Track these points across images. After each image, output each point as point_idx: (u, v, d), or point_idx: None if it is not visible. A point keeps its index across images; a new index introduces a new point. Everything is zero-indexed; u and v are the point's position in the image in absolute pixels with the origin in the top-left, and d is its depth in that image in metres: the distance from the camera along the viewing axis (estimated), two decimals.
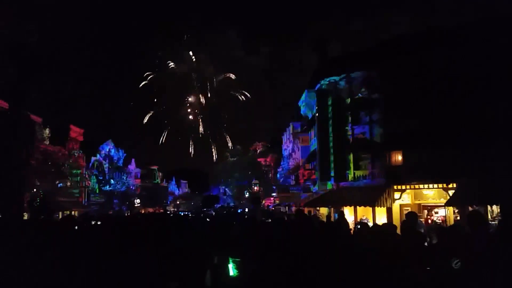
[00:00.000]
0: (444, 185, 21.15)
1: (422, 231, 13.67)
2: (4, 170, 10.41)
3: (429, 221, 20.02)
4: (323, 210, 27.04)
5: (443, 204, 20.34)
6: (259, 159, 67.16)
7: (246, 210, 45.12)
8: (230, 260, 5.99)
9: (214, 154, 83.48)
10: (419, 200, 23.12)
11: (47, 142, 40.19)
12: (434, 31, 23.14)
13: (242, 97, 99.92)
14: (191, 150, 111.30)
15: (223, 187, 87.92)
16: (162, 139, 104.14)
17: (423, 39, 22.71)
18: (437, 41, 21.75)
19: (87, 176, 50.12)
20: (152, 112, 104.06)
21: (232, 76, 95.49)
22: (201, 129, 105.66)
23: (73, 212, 41.31)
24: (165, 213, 27.88)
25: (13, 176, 10.32)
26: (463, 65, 20.14)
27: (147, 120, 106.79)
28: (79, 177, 47.22)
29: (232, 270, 6.00)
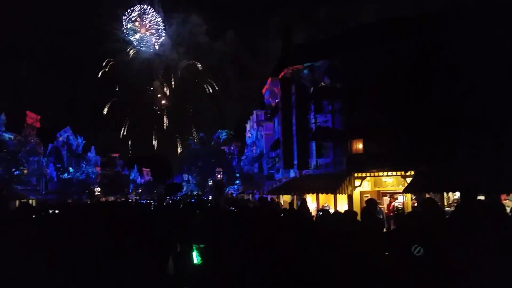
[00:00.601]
0: (403, 173, 21.79)
1: (381, 217, 14.11)
2: None
3: (391, 207, 20.59)
4: (286, 198, 27.35)
5: (401, 191, 20.98)
6: (222, 147, 67.00)
7: (210, 198, 45.05)
8: (194, 248, 5.98)
9: (178, 146, 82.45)
10: (378, 188, 23.75)
11: (2, 129, 38.60)
12: (400, 20, 23.54)
13: (209, 88, 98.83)
14: (155, 143, 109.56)
15: (187, 175, 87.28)
16: (124, 131, 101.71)
17: (388, 28, 23.07)
18: (399, 31, 22.15)
19: (44, 164, 48.54)
20: (111, 101, 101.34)
21: (199, 65, 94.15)
22: (165, 121, 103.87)
23: (30, 201, 40.04)
24: (126, 202, 27.47)
25: None
26: (426, 55, 20.69)
27: (108, 108, 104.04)
28: (36, 165, 45.68)
29: (196, 258, 5.99)
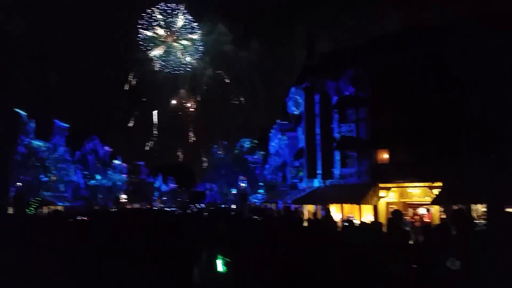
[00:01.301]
0: (430, 184, 21.38)
1: (408, 229, 13.87)
2: None
3: (415, 218, 20.22)
4: (310, 208, 27.17)
5: (429, 202, 20.57)
6: (246, 156, 67.15)
7: (233, 206, 45.11)
8: (219, 257, 5.99)
9: (202, 154, 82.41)
10: (404, 199, 23.34)
11: (32, 136, 39.69)
12: (424, 28, 23.27)
13: (236, 98, 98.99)
14: (179, 152, 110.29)
15: (210, 183, 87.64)
16: (149, 144, 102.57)
17: (412, 36, 22.82)
18: (426, 39, 21.87)
19: (72, 171, 49.60)
20: (136, 114, 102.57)
21: (224, 75, 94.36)
22: (190, 130, 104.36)
23: (58, 207, 40.91)
24: (151, 210, 27.76)
25: None
26: (452, 64, 20.35)
27: (134, 118, 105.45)
28: (64, 172, 46.72)
29: (220, 266, 6.00)
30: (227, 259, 5.87)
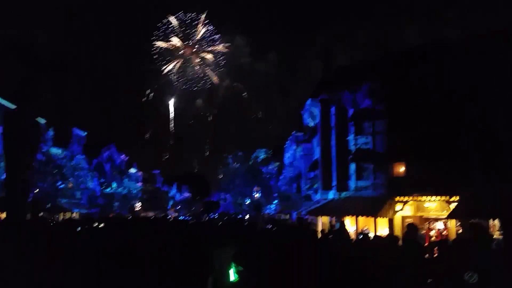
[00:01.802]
0: (447, 198, 21.07)
1: (423, 243, 13.66)
2: (10, 172, 10.48)
3: (430, 233, 19.92)
4: (324, 219, 26.97)
5: (445, 216, 20.25)
6: (260, 167, 67.12)
7: (247, 217, 45.02)
8: (232, 265, 5.97)
9: (217, 165, 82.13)
10: (421, 213, 23.02)
11: (50, 143, 40.34)
12: (441, 42, 23.16)
13: (254, 112, 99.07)
14: (195, 161, 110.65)
15: (224, 193, 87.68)
16: (165, 155, 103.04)
17: (429, 50, 22.72)
18: (443, 53, 21.74)
19: (88, 178, 50.18)
20: (153, 127, 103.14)
21: (244, 95, 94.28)
22: (207, 147, 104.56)
23: (74, 214, 41.36)
24: (165, 218, 27.87)
25: (18, 177, 10.39)
26: (469, 78, 20.17)
27: (151, 129, 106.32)
28: (80, 179, 47.30)
29: (233, 275, 5.98)
30: (239, 268, 5.86)
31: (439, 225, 21.42)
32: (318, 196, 31.81)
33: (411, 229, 6.88)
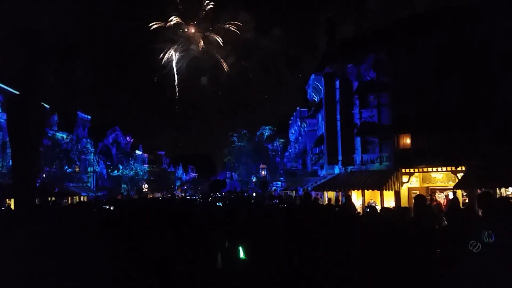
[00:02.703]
0: (453, 168, 21.05)
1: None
2: (17, 158, 10.54)
3: (434, 203, 19.94)
4: (331, 194, 27.08)
5: (452, 187, 20.27)
6: (266, 144, 67.16)
7: (254, 194, 45.28)
8: (241, 244, 6.00)
9: (223, 149, 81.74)
10: (427, 183, 23.04)
11: (55, 128, 40.41)
12: (448, 10, 22.66)
13: (259, 93, 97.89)
14: (200, 141, 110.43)
15: (230, 172, 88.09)
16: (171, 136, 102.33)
17: (437, 19, 22.23)
18: (451, 21, 21.29)
19: (95, 162, 50.45)
20: (156, 111, 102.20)
21: (245, 63, 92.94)
22: (212, 130, 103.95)
23: (82, 198, 41.75)
24: (173, 198, 28.09)
25: (25, 163, 10.45)
26: (475, 44, 19.84)
27: (155, 109, 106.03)
28: (87, 162, 47.57)
29: (242, 253, 6.02)
30: (247, 246, 5.88)
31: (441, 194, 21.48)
32: (324, 172, 31.87)
33: (420, 200, 6.86)
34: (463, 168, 20.52)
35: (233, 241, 6.25)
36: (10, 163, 21.67)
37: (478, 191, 19.31)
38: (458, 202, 18.32)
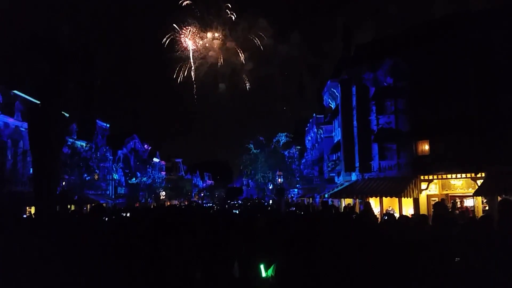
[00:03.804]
0: (473, 175, 20.71)
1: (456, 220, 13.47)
2: (38, 166, 10.75)
3: (457, 211, 19.63)
4: (348, 201, 26.87)
5: (471, 194, 19.94)
6: (282, 151, 67.01)
7: (270, 202, 45.20)
8: (262, 261, 5.93)
9: (240, 156, 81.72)
10: (446, 190, 22.71)
11: (74, 136, 41.05)
12: (465, 14, 22.37)
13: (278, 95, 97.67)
14: (217, 148, 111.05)
15: (246, 179, 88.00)
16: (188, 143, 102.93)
17: (454, 23, 21.96)
18: (469, 26, 21.02)
19: (113, 169, 51.04)
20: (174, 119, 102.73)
21: (264, 71, 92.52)
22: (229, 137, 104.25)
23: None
24: (190, 205, 28.23)
25: (46, 170, 10.64)
26: (494, 49, 19.56)
27: (173, 118, 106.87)
28: (106, 170, 48.14)
29: (264, 270, 5.95)
30: (270, 262, 5.81)
31: (467, 202, 21.08)
32: (341, 179, 31.64)
33: (440, 207, 6.77)
34: (483, 174, 20.18)
35: (251, 250, 6.24)
36: (31, 171, 22.10)
37: (499, 198, 18.98)
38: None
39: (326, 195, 31.31)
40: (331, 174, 36.43)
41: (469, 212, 19.55)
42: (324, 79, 37.28)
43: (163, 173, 74.19)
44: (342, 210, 22.44)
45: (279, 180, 43.61)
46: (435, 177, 22.46)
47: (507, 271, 3.78)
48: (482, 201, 20.34)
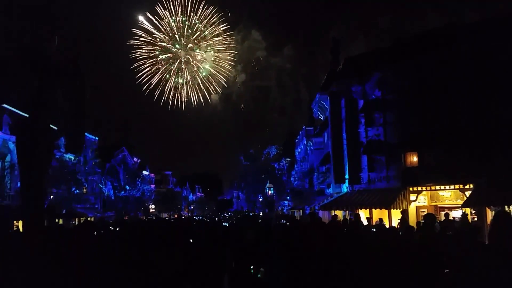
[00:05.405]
0: (461, 186, 20.89)
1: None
2: (25, 180, 10.63)
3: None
4: (338, 213, 26.87)
5: (460, 205, 20.08)
6: (272, 163, 67.04)
7: (261, 214, 45.08)
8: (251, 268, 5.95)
9: (229, 169, 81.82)
10: (435, 202, 22.86)
11: (63, 150, 40.65)
12: (454, 27, 22.69)
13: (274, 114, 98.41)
14: (206, 160, 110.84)
15: (237, 191, 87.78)
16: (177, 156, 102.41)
17: (441, 36, 22.25)
18: (457, 38, 21.30)
19: (102, 182, 50.55)
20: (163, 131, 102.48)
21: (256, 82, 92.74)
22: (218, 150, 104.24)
23: (89, 219, 41.70)
24: (179, 219, 27.99)
25: (34, 185, 10.51)
26: (483, 61, 19.85)
27: (164, 125, 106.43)
28: (94, 184, 47.67)
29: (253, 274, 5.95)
30: (260, 269, 5.84)
31: (455, 213, 21.20)
32: (331, 190, 31.71)
33: (429, 219, 6.83)
34: (471, 186, 20.36)
35: (241, 262, 6.23)
36: (18, 185, 21.81)
37: (487, 209, 19.14)
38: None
39: (316, 207, 31.32)
40: (321, 186, 36.49)
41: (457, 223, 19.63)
42: (313, 92, 37.57)
43: (153, 186, 73.66)
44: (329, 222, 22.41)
45: (269, 192, 43.58)
46: (423, 188, 22.61)
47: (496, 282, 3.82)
48: (471, 212, 20.47)
